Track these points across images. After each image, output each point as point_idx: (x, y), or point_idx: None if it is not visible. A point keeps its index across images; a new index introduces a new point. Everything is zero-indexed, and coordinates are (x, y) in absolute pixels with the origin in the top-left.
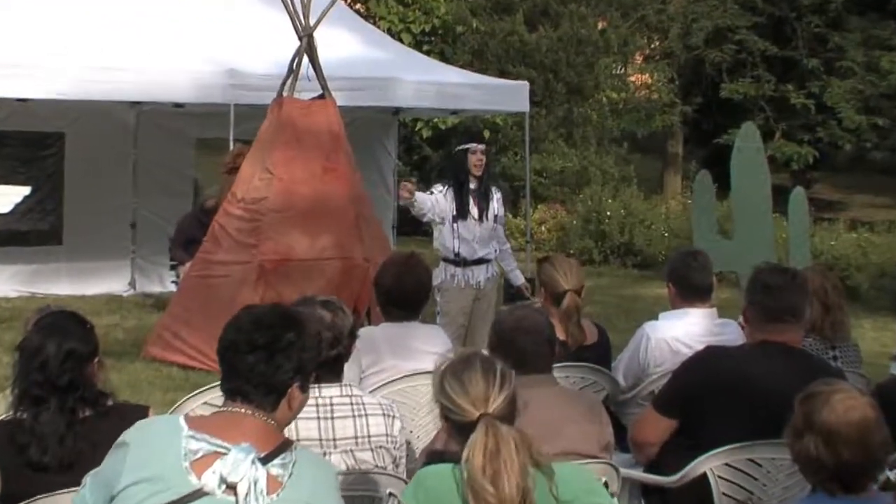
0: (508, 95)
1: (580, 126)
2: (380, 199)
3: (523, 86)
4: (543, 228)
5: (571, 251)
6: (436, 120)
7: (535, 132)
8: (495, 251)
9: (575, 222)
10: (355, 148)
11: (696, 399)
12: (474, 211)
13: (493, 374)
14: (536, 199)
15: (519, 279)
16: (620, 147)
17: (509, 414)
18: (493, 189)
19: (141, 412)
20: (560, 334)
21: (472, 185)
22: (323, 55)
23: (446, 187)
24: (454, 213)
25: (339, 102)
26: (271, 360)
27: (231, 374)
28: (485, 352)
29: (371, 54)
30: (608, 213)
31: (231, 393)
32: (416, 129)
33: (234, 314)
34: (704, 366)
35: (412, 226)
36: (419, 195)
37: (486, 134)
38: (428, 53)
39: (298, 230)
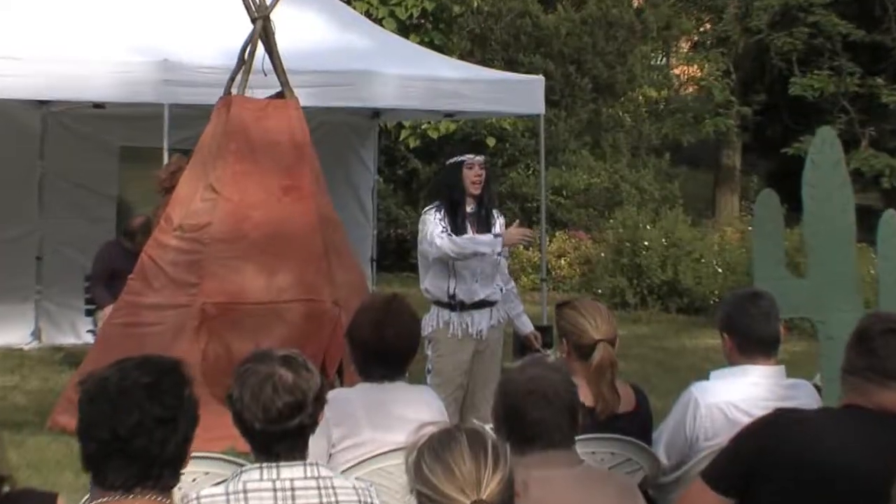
0: (518, 93)
1: (610, 132)
2: (355, 224)
3: (537, 81)
4: (563, 262)
5: (599, 291)
6: (426, 125)
7: (552, 140)
8: (501, 290)
9: (604, 255)
10: (324, 160)
11: (760, 474)
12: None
13: (484, 452)
14: (554, 225)
15: (525, 326)
16: (661, 159)
17: (506, 501)
18: (496, 213)
19: (47, 501)
20: (585, 399)
21: (470, 208)
22: (282, 42)
23: (437, 210)
24: None
25: (304, 102)
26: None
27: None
28: (478, 422)
29: (344, 41)
30: (646, 243)
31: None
32: (402, 137)
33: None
34: (772, 432)
35: (396, 258)
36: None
37: (491, 142)
38: (418, 41)
39: (251, 265)
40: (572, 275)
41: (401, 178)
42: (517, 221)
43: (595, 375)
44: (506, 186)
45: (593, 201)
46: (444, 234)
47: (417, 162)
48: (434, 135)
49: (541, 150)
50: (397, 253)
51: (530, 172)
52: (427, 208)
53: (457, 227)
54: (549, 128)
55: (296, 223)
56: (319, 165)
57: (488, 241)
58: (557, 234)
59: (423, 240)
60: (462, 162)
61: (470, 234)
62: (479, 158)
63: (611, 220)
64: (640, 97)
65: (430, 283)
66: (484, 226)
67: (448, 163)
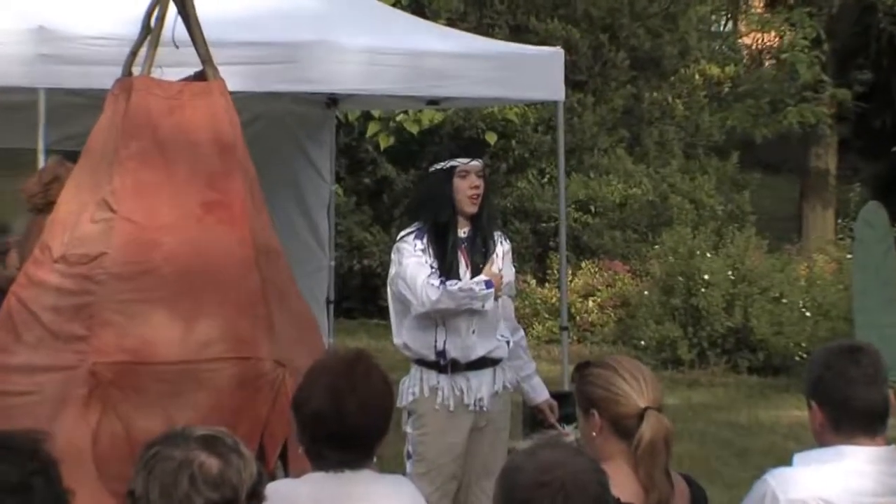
0: (529, 72)
1: (655, 124)
2: (305, 254)
3: (554, 55)
4: (591, 304)
5: (642, 344)
6: (402, 117)
7: (575, 136)
8: (507, 343)
9: (647, 293)
10: (262, 166)
11: None
12: (466, 275)
13: None
14: (579, 253)
15: (538, 393)
16: (727, 161)
17: None
18: (499, 237)
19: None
20: (622, 492)
21: (463, 232)
22: (203, 4)
23: (418, 237)
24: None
25: (234, 86)
26: None
27: None
28: None
29: (288, 2)
30: (706, 278)
31: None
32: (369, 132)
33: None
34: None
35: (361, 300)
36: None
37: (491, 139)
38: (391, 2)
39: (161, 311)
40: (604, 321)
41: (368, 190)
42: (507, 247)
43: (646, 457)
44: (512, 200)
45: (632, 220)
46: (435, 281)
47: (390, 167)
48: (413, 129)
49: (559, 150)
50: (363, 292)
51: (545, 180)
52: (404, 233)
53: (445, 262)
54: (572, 119)
55: (223, 253)
56: (255, 173)
57: (483, 295)
58: (584, 265)
59: (398, 279)
60: (452, 168)
61: (462, 267)
62: (476, 163)
63: (656, 246)
64: (697, 76)
65: (410, 335)
66: (481, 254)
67: (432, 169)
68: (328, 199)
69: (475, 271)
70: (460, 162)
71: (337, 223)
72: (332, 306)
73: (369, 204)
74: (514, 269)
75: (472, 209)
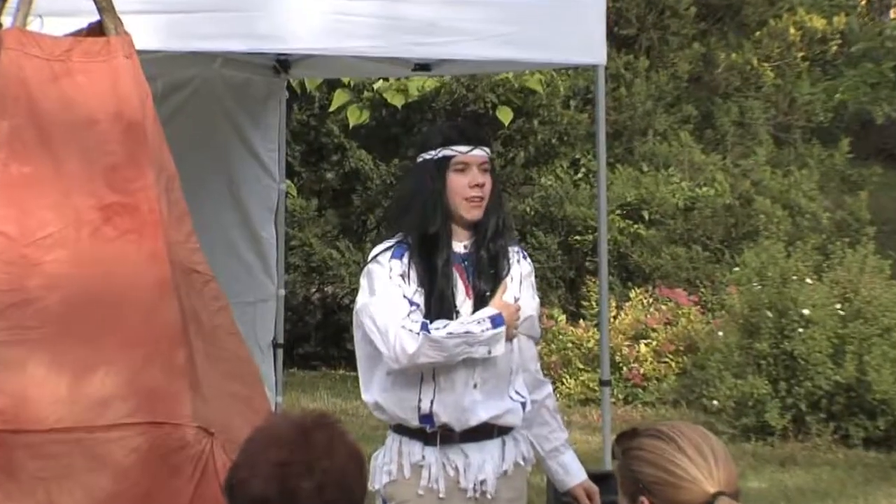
0: (558, 24)
1: (733, 98)
2: (244, 277)
3: (593, 1)
4: (643, 349)
5: (714, 403)
6: (379, 85)
7: (622, 114)
8: (523, 404)
9: (722, 334)
10: (185, 155)
11: None
12: (466, 307)
13: None
14: (627, 278)
15: (571, 473)
16: (835, 150)
17: None
18: (515, 253)
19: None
20: None
21: (463, 247)
22: None
23: (396, 255)
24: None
25: (145, 43)
26: None
27: None
28: None
29: None
30: (805, 313)
31: None
32: (333, 106)
33: None
34: None
35: (322, 341)
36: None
37: (504, 116)
38: None
39: (41, 357)
40: (661, 373)
41: (332, 189)
42: (528, 269)
43: None
44: (533, 203)
45: (702, 232)
46: (414, 324)
47: (364, 156)
48: (397, 102)
49: (599, 134)
50: (324, 331)
51: (580, 176)
52: (378, 250)
53: (434, 290)
54: (617, 90)
55: (128, 276)
56: (174, 166)
57: (489, 336)
58: (633, 294)
59: (365, 316)
60: (446, 159)
61: (461, 296)
62: (480, 152)
63: (736, 269)
64: (792, 31)
65: (384, 391)
66: (488, 281)
67: (419, 159)
68: (276, 201)
69: (480, 302)
70: (457, 150)
71: (289, 235)
72: (281, 351)
73: (334, 208)
74: (536, 300)
75: (473, 215)
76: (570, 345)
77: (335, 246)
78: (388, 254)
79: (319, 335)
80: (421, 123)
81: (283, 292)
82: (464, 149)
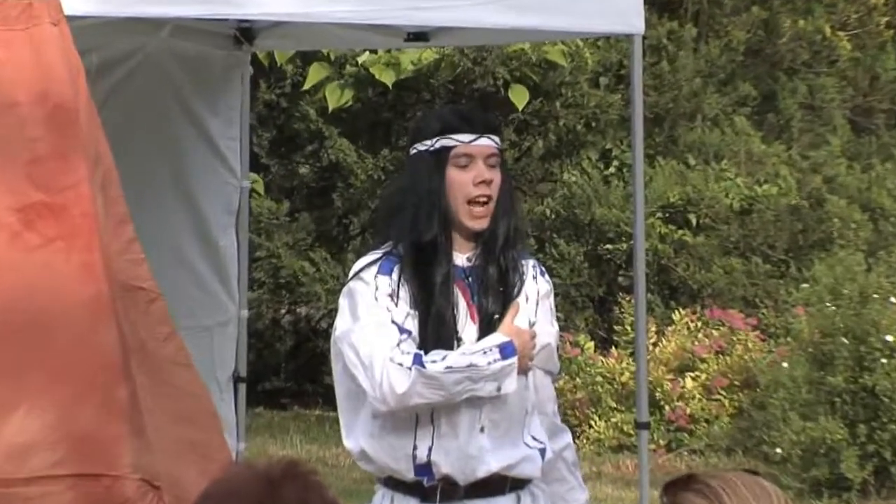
0: None
1: (800, 74)
2: (198, 294)
3: None
4: (689, 384)
5: (776, 452)
6: (365, 58)
7: (664, 94)
8: (541, 451)
9: (787, 366)
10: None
11: None
12: (469, 333)
13: None
14: (669, 295)
15: None
16: None
17: None
18: (531, 268)
19: None
20: None
21: (466, 259)
22: None
23: (384, 270)
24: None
25: (78, 8)
26: None
27: None
28: None
29: None
30: (887, 339)
31: None
32: (309, 84)
33: None
34: None
35: (294, 376)
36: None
37: (519, 98)
38: None
39: None
40: (713, 413)
41: (307, 186)
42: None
43: None
44: (554, 204)
45: (762, 239)
46: (405, 357)
47: (346, 145)
48: (387, 79)
49: (635, 119)
50: (297, 362)
51: (611, 170)
52: (362, 263)
53: (431, 313)
54: (658, 65)
55: (54, 292)
56: (112, 158)
57: (498, 370)
58: (677, 316)
59: (346, 345)
60: (444, 151)
61: (463, 320)
62: (486, 142)
63: (804, 285)
64: None
65: (371, 437)
66: (496, 301)
67: (413, 150)
68: (238, 201)
69: (486, 328)
70: (458, 139)
71: (254, 244)
72: (243, 387)
73: (310, 210)
74: (555, 326)
75: (478, 222)
76: (599, 379)
77: (309, 257)
78: (374, 269)
79: (290, 367)
80: (416, 106)
81: (245, 314)
82: (466, 137)
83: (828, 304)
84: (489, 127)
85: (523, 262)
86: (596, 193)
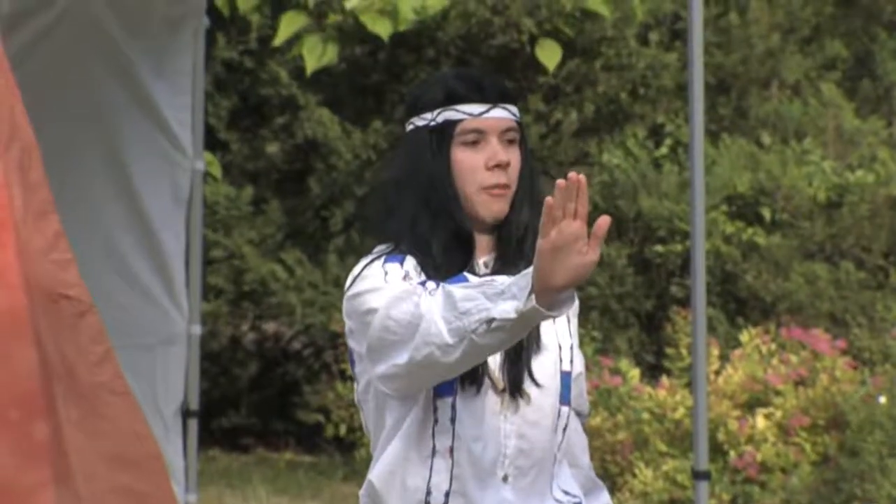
0: None
1: None
2: (139, 305)
3: None
4: (761, 422)
5: None
6: (351, 4)
7: (730, 55)
8: None
9: (884, 399)
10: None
11: None
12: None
13: None
14: (736, 310)
15: None
16: None
17: None
18: None
19: None
20: None
21: (480, 265)
22: None
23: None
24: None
25: None
26: None
27: None
28: None
29: None
30: None
31: None
32: (279, 40)
33: None
34: None
35: (259, 410)
36: None
37: (550, 57)
38: None
39: None
40: (791, 459)
41: (277, 168)
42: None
43: None
44: (591, 192)
45: (854, 238)
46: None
47: (328, 116)
48: (382, 31)
49: (693, 84)
50: (260, 392)
51: (663, 150)
52: (368, 261)
53: None
54: (723, 16)
55: None
56: (34, 139)
57: (515, 291)
58: (746, 335)
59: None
60: (450, 125)
61: None
62: (501, 113)
63: None
64: None
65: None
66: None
67: (410, 125)
68: (188, 188)
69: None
70: (465, 111)
71: (209, 241)
72: (195, 422)
73: (280, 198)
74: (581, 355)
75: (493, 211)
76: (646, 415)
77: (280, 258)
78: (380, 261)
79: (254, 399)
80: (417, 67)
81: (198, 330)
82: (476, 108)
83: None
84: (504, 95)
85: None
86: (644, 180)
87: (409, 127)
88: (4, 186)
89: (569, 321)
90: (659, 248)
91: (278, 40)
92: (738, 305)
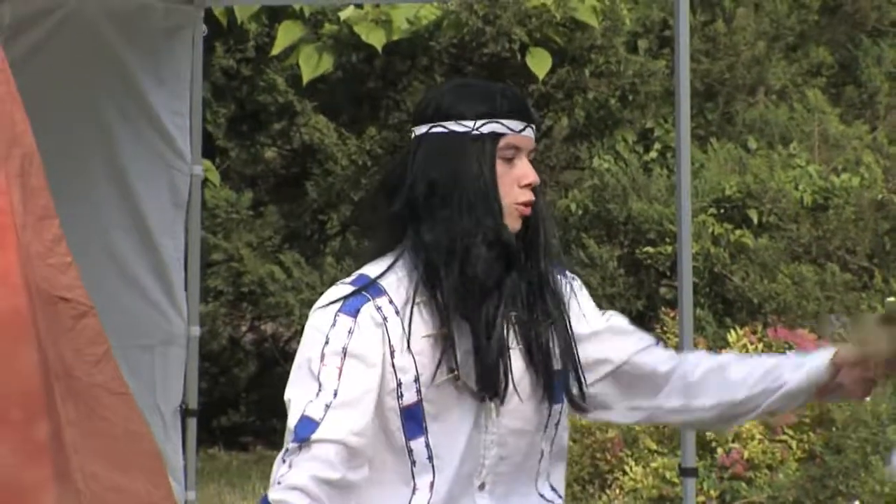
0: None
1: (885, 40)
2: (139, 308)
3: None
4: (748, 422)
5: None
6: (346, 15)
7: (717, 60)
8: None
9: (872, 402)
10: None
11: None
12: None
13: None
14: (724, 310)
15: (817, 356)
16: None
17: None
18: (567, 281)
19: None
20: None
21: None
22: None
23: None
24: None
25: None
26: None
27: None
28: None
29: None
30: None
31: None
32: (278, 49)
33: None
34: None
35: (258, 410)
36: None
37: (540, 65)
38: None
39: None
40: (777, 457)
41: (274, 173)
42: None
43: None
44: (581, 195)
45: (839, 240)
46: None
47: (324, 123)
48: (376, 41)
49: (680, 90)
50: (259, 391)
51: (651, 155)
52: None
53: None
54: (710, 24)
55: None
56: (34, 144)
57: None
58: (734, 335)
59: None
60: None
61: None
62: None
63: (891, 298)
64: None
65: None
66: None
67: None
68: (187, 192)
69: (547, 377)
70: (508, 127)
71: (208, 244)
72: (194, 422)
73: (278, 203)
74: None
75: (514, 227)
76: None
77: (278, 261)
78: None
79: (252, 398)
80: (410, 75)
81: (197, 331)
82: (517, 125)
83: None
84: (531, 115)
85: (567, 276)
86: (633, 184)
87: (438, 129)
88: (5, 192)
89: (566, 319)
90: (649, 249)
91: (276, 49)
92: (725, 306)
